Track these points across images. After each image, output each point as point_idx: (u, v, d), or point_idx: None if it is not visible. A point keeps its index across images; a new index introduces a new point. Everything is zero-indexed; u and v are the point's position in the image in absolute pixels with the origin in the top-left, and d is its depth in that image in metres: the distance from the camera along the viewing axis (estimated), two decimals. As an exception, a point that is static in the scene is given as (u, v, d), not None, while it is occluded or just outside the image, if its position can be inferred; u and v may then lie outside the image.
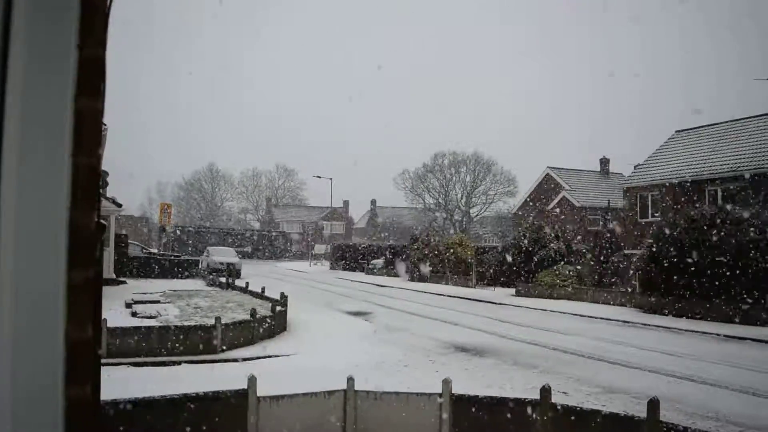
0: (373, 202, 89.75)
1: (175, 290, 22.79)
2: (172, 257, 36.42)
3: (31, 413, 1.02)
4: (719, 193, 25.95)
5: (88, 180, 1.09)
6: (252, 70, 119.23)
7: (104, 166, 25.92)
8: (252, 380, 6.34)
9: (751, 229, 17.75)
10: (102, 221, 1.88)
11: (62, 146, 1.06)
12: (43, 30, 1.05)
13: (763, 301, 17.06)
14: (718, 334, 15.45)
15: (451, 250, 34.85)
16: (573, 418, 6.17)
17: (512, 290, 27.47)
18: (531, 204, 47.62)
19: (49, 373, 1.03)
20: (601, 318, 19.02)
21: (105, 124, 21.75)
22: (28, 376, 1.01)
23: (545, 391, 6.31)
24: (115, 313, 13.75)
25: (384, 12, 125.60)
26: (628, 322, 18.13)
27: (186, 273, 32.25)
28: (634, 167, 34.30)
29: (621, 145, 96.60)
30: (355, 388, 6.77)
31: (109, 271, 24.39)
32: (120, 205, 27.37)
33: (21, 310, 1.01)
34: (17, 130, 1.04)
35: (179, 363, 10.74)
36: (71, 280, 1.06)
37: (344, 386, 6.78)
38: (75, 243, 1.06)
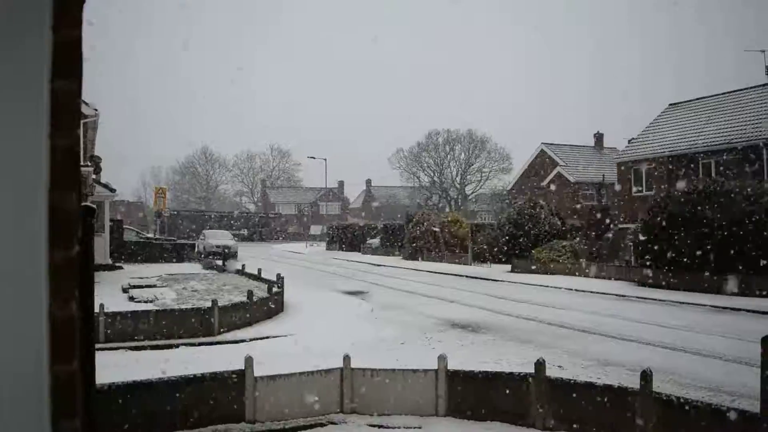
0: (368, 182, 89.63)
1: (171, 274, 22.80)
2: (168, 241, 36.39)
3: (16, 389, 1.03)
4: (713, 166, 25.99)
5: (66, 161, 1.09)
6: (247, 55, 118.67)
7: (97, 152, 25.83)
8: (249, 361, 6.40)
9: (744, 201, 17.80)
10: (91, 204, 1.89)
11: (39, 128, 1.07)
12: (16, 11, 1.05)
13: (757, 271, 17.15)
14: (713, 306, 15.56)
15: (447, 229, 34.96)
16: (568, 391, 6.25)
17: (508, 267, 27.58)
18: (526, 180, 47.62)
19: (33, 350, 1.05)
20: (597, 292, 19.14)
21: (96, 110, 21.60)
22: (12, 354, 1.03)
23: (539, 364, 6.39)
24: (112, 298, 13.77)
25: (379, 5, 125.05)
26: (623, 295, 18.26)
27: (182, 257, 32.27)
28: (629, 141, 34.26)
29: (616, 121, 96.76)
30: (352, 366, 6.84)
31: (105, 257, 24.37)
32: (114, 191, 27.33)
33: (3, 290, 1.02)
34: (-6, 113, 1.04)
35: (177, 346, 10.80)
36: (53, 260, 1.07)
37: (341, 364, 6.85)
38: (55, 224, 1.07)
